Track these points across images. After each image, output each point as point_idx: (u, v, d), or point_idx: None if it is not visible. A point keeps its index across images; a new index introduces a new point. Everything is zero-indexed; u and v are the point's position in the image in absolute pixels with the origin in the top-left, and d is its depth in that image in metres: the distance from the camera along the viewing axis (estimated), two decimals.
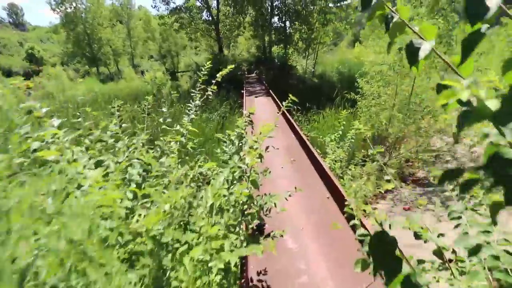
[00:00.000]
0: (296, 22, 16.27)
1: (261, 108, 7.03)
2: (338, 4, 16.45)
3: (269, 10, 16.33)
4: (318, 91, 13.68)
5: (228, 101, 11.52)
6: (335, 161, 4.52)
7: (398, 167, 6.94)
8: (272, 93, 8.29)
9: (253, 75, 17.21)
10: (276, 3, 16.45)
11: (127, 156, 1.75)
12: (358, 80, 6.72)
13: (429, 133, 6.48)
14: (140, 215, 1.19)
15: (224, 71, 2.16)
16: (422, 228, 1.02)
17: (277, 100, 7.17)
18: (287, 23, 16.95)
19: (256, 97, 8.90)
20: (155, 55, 38.75)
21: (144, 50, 36.62)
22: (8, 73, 34.98)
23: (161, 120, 2.35)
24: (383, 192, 6.23)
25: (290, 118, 5.10)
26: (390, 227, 0.96)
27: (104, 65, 34.66)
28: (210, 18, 18.41)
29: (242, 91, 9.44)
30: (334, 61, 21.48)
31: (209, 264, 1.11)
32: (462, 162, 6.37)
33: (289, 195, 1.73)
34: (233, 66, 2.14)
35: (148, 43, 34.96)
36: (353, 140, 5.09)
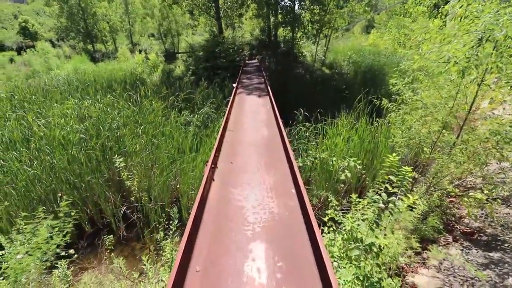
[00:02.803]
0: (307, 1, 13.63)
1: (251, 116, 4.90)
2: None
3: None
4: (329, 85, 11.37)
5: (219, 95, 9.34)
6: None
7: (437, 205, 4.91)
8: (270, 91, 6.13)
9: (254, 61, 14.82)
10: None
11: None
12: (397, 82, 4.51)
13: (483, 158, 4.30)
14: None
15: None
16: None
17: (274, 104, 5.04)
18: (296, 2, 14.29)
19: (249, 94, 6.74)
20: (156, 34, 35.91)
21: (143, 27, 33.84)
22: (1, 47, 32.70)
23: None
24: (422, 253, 4.24)
25: (290, 152, 3.02)
26: None
27: (102, 42, 32.19)
28: None
29: (234, 85, 7.31)
30: (346, 49, 18.89)
31: None
32: None
33: None
34: None
35: (147, 20, 32.18)
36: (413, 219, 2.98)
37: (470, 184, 5.31)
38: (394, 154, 2.51)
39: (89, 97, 6.96)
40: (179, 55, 29.64)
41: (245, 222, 2.07)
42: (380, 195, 2.44)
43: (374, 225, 2.45)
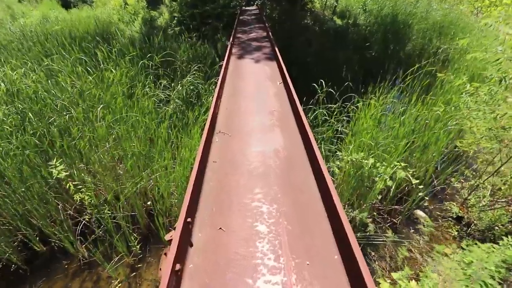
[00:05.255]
0: None
1: (254, 100, 3.11)
2: None
3: None
4: (344, 40, 9.08)
5: (209, 53, 7.22)
6: None
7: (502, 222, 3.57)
8: (279, 55, 4.18)
9: (252, 8, 12.04)
10: None
11: None
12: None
13: None
14: None
15: None
16: None
17: (288, 80, 3.22)
18: None
19: (249, 58, 4.76)
20: None
21: None
22: None
23: None
24: None
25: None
26: None
27: None
28: None
29: (228, 43, 5.26)
30: None
31: None
32: None
33: None
34: None
35: None
36: None
37: None
38: None
39: (27, 61, 4.97)
40: None
41: None
42: None
43: None
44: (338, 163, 3.24)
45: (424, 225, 3.39)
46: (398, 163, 3.19)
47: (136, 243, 3.50)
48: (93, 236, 3.59)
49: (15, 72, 4.10)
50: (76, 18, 14.09)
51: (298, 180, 1.84)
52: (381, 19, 10.25)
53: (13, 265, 3.55)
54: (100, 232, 3.68)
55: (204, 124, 2.43)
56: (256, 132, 2.45)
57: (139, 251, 3.56)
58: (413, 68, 3.78)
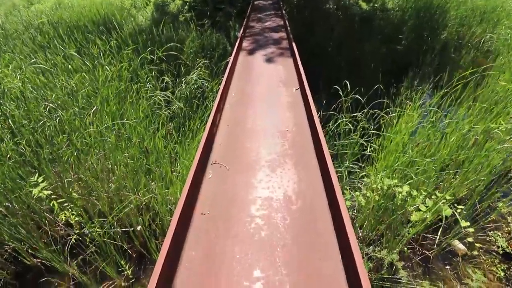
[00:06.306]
0: None
1: (264, 113, 2.48)
2: None
3: None
4: (371, 29, 7.99)
5: (220, 43, 6.53)
6: None
7: None
8: (295, 47, 3.44)
9: None
10: None
11: None
12: None
13: None
14: None
15: None
16: None
17: (301, 71, 2.53)
18: None
19: (261, 54, 4.05)
20: None
21: None
22: None
23: None
24: None
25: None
26: None
27: None
28: None
29: (238, 34, 4.55)
30: None
31: None
32: None
33: None
34: None
35: None
36: None
37: None
38: None
39: (22, 55, 4.56)
40: None
41: None
42: None
43: None
44: (365, 191, 2.62)
45: (472, 279, 2.74)
46: (442, 194, 2.53)
47: (127, 267, 3.11)
48: (80, 256, 3.23)
49: (0, 71, 3.68)
50: (88, 3, 13.65)
51: (318, 258, 1.26)
52: (413, 2, 9.01)
53: (0, 280, 3.29)
54: (92, 249, 3.31)
55: (199, 143, 1.88)
56: (262, 164, 1.86)
57: (131, 276, 3.18)
58: (465, 73, 2.98)
